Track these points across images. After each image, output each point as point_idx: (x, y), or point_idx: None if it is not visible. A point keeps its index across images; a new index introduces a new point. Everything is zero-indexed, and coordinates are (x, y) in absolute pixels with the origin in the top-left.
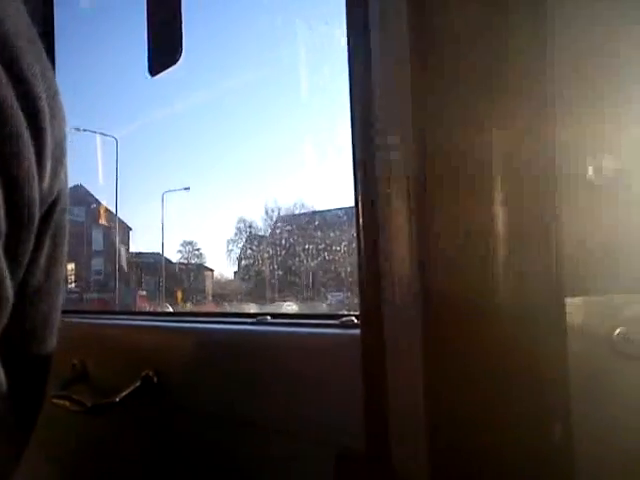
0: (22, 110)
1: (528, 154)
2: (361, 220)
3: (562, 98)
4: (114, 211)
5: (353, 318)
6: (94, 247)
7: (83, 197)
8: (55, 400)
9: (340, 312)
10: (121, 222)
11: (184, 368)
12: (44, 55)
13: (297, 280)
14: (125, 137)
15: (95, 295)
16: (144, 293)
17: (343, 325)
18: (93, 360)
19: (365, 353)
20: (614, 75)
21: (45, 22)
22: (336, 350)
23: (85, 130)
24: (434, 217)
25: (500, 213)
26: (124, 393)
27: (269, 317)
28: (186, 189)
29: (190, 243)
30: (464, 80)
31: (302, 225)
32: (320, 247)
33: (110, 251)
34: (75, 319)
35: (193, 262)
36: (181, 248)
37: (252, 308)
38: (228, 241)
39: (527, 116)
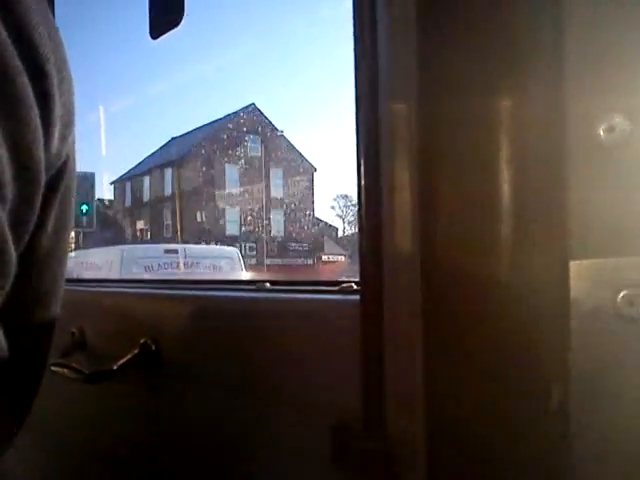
0: (28, 73)
1: (535, 114)
2: (364, 188)
3: (571, 57)
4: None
5: (353, 284)
6: (273, 193)
7: (257, 121)
8: (54, 368)
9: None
10: (304, 159)
11: (182, 336)
12: (50, 16)
13: None
14: None
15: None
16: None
17: (343, 291)
18: (92, 328)
19: (364, 319)
20: (625, 33)
21: None
22: (335, 316)
23: None
24: (438, 184)
25: (506, 176)
26: (122, 361)
27: (268, 284)
28: None
29: (345, 197)
30: (470, 45)
31: None
32: None
33: (293, 201)
34: (74, 287)
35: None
36: (334, 203)
37: None
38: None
39: (535, 75)
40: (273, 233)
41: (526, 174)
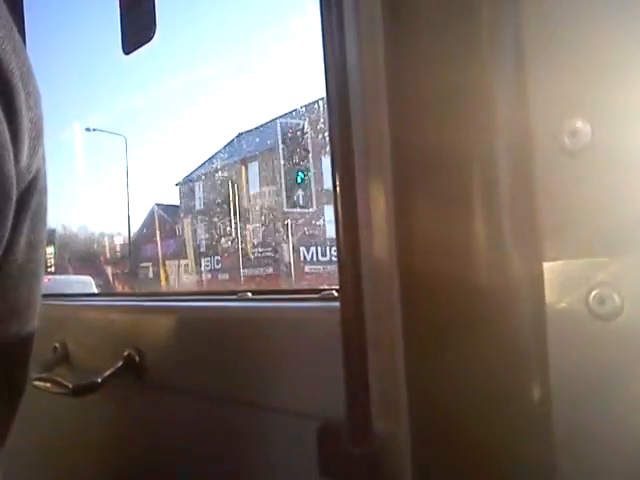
0: None
1: (502, 122)
2: (339, 194)
3: (533, 63)
4: None
5: (333, 291)
6: None
7: None
8: (37, 383)
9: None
10: None
11: (165, 347)
12: (15, 31)
13: None
14: None
15: None
16: None
17: (324, 298)
18: (74, 342)
19: (345, 325)
20: (584, 39)
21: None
22: (317, 323)
23: None
24: (412, 191)
25: (478, 183)
26: (106, 373)
27: (250, 293)
28: None
29: None
30: (436, 59)
31: None
32: None
33: None
34: (55, 301)
35: None
36: None
37: None
38: None
39: (500, 83)
40: None
41: (497, 180)
